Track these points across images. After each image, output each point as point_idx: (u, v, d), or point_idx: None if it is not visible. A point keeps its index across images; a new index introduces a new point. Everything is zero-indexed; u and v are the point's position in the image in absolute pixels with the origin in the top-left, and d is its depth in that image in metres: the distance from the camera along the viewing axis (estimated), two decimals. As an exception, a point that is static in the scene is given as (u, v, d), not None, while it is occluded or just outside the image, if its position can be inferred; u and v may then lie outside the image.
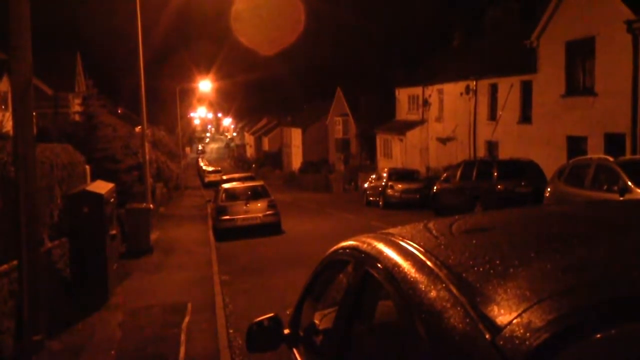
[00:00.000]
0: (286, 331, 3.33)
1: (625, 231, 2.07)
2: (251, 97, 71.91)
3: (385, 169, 28.60)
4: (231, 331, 8.15)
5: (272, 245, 16.56)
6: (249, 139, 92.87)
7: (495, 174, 17.58)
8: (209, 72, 50.58)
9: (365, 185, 29.80)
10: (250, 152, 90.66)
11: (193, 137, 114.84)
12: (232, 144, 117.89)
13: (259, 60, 60.36)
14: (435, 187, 21.54)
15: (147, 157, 18.61)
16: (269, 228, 18.62)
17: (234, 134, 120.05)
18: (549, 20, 21.86)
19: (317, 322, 3.11)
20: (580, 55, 20.44)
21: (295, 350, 3.19)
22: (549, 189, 14.08)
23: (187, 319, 8.70)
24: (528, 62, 23.26)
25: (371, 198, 27.74)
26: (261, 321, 3.25)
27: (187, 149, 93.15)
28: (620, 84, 18.00)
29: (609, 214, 2.51)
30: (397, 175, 26.64)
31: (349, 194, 37.23)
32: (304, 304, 3.40)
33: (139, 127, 19.56)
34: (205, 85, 53.56)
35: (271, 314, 3.29)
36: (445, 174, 21.77)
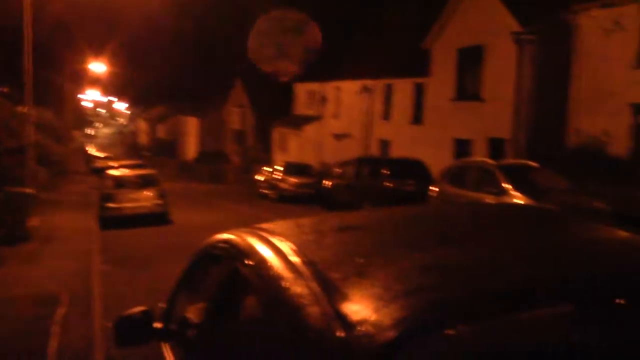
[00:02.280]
0: (158, 325, 3.23)
1: (487, 234, 2.16)
2: (147, 83, 69.68)
3: (280, 162, 28.68)
4: (107, 324, 7.85)
5: (159, 235, 16.16)
6: (143, 125, 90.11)
7: (385, 172, 18.05)
8: (103, 55, 48.47)
9: (260, 177, 29.76)
10: (144, 139, 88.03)
11: (83, 120, 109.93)
12: (125, 130, 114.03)
13: (157, 46, 58.57)
14: (327, 183, 21.83)
15: (30, 139, 17.61)
16: (157, 218, 18.16)
17: (128, 120, 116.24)
18: (443, 26, 22.71)
19: (189, 316, 3.03)
20: (470, 62, 21.38)
21: (166, 345, 3.11)
22: (434, 189, 14.64)
23: (61, 311, 8.29)
24: (422, 65, 24.05)
25: (265, 191, 27.74)
26: (131, 314, 3.13)
27: (76, 133, 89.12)
28: (504, 92, 19.01)
29: (477, 216, 2.62)
30: (291, 169, 26.78)
31: (244, 186, 37.04)
32: (178, 296, 3.32)
33: (23, 107, 18.49)
34: (98, 67, 51.38)
35: (142, 307, 3.18)
36: (338, 170, 22.12)
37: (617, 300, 1.45)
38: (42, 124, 33.54)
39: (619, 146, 15.24)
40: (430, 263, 1.74)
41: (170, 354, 2.97)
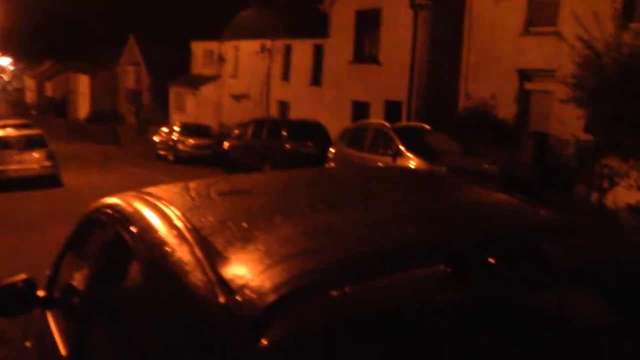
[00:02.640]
0: (41, 293, 3.11)
1: (374, 198, 2.20)
2: (34, 37, 65.49)
3: (177, 123, 28.05)
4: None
5: (49, 199, 15.47)
6: (30, 82, 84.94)
7: (284, 133, 18.06)
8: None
9: (156, 138, 28.96)
10: (30, 97, 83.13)
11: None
12: (10, 87, 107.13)
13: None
14: (226, 144, 21.59)
15: None
16: (46, 181, 17.33)
17: (13, 77, 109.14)
18: (342, -13, 22.73)
19: (74, 283, 2.93)
20: (368, 25, 21.59)
21: (49, 313, 3.00)
22: (332, 150, 14.82)
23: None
24: (320, 26, 24.02)
25: (162, 152, 27.06)
26: (12, 283, 2.99)
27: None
28: (401, 56, 19.37)
29: (366, 180, 2.67)
30: (189, 130, 26.24)
31: (139, 147, 35.92)
32: (63, 263, 3.20)
33: None
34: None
35: (24, 275, 3.04)
36: (236, 131, 21.89)
37: (489, 260, 1.51)
38: None
39: (506, 110, 15.98)
40: (314, 227, 1.76)
41: (54, 322, 2.87)
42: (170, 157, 25.66)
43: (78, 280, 2.90)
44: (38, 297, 3.07)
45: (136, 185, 2.55)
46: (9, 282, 3.00)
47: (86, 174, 20.94)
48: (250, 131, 20.13)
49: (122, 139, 40.47)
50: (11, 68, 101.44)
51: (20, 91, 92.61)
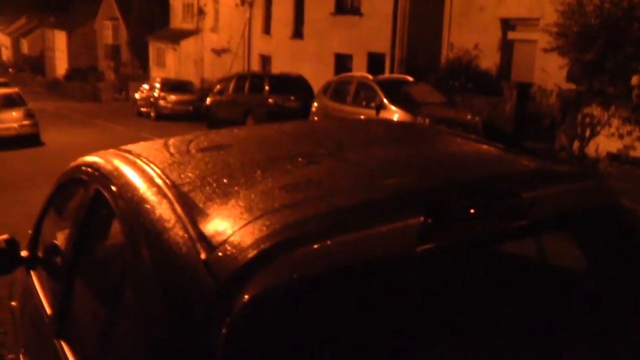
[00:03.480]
0: (24, 253, 3.10)
1: (355, 150, 2.19)
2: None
3: (158, 79, 27.69)
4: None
5: (30, 159, 15.32)
6: (5, 40, 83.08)
7: (267, 88, 17.90)
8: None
9: (137, 95, 28.59)
10: (6, 55, 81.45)
11: None
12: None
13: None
14: (208, 100, 21.39)
15: None
16: (26, 140, 17.13)
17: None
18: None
19: (56, 242, 2.93)
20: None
21: (33, 273, 3.00)
22: (315, 104, 14.74)
23: None
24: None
25: (143, 109, 26.76)
26: None
27: None
28: (383, 7, 19.13)
29: (346, 132, 2.65)
30: (170, 86, 25.92)
31: (120, 104, 35.48)
32: (44, 223, 3.18)
33: None
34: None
35: (6, 235, 3.02)
36: (218, 87, 21.65)
37: (469, 210, 1.52)
38: None
39: (489, 60, 15.93)
40: (295, 181, 1.76)
41: (37, 282, 2.88)
42: (152, 114, 25.39)
43: (60, 239, 2.89)
44: (21, 257, 3.07)
45: (118, 143, 2.52)
46: None
47: (66, 132, 20.71)
48: (232, 86, 19.92)
49: (101, 96, 39.92)
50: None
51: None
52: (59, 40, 56.69)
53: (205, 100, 21.84)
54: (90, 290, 2.24)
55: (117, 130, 21.30)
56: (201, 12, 32.81)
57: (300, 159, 1.99)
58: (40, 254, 3.09)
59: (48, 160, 14.85)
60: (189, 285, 1.39)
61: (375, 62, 19.82)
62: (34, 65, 63.21)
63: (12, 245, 3.02)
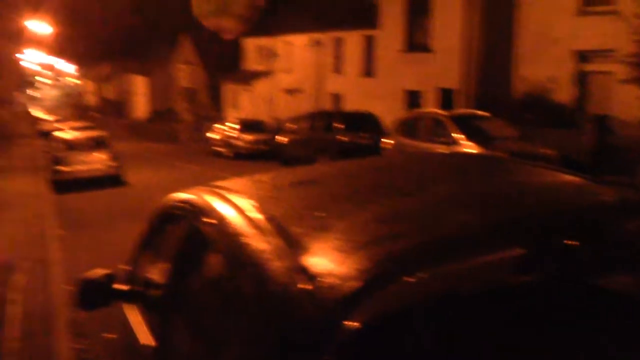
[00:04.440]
0: (121, 287, 3.26)
1: (441, 182, 2.23)
2: (93, 42, 67.45)
3: (233, 119, 28.37)
4: (69, 288, 7.83)
5: (115, 197, 15.97)
6: (91, 85, 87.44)
7: (338, 126, 18.11)
8: (45, 12, 46.52)
9: (212, 135, 29.40)
10: (92, 99, 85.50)
11: (25, 82, 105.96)
12: (72, 91, 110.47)
13: (101, 4, 56.49)
14: (281, 138, 21.78)
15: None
16: (111, 180, 17.88)
17: (75, 81, 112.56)
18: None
19: (153, 276, 3.07)
20: (417, 13, 21.34)
21: (131, 306, 3.14)
22: (388, 141, 14.79)
23: (18, 277, 8.21)
24: (371, 17, 23.92)
25: (218, 149, 27.44)
26: (93, 277, 3.14)
27: (18, 95, 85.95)
28: (452, 42, 19.13)
29: (429, 166, 2.69)
30: (244, 125, 26.48)
31: (196, 145, 36.52)
32: (140, 258, 3.34)
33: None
34: (41, 26, 49.33)
35: (104, 270, 3.20)
36: (291, 125, 22.05)
37: (566, 242, 1.52)
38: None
39: (563, 93, 15.61)
40: (386, 214, 1.80)
41: (135, 315, 3.00)
42: (227, 153, 26.00)
43: (155, 273, 3.04)
44: (119, 291, 3.23)
45: (196, 182, 2.65)
46: (91, 277, 3.16)
47: (147, 172, 21.46)
48: (304, 125, 20.26)
49: (179, 137, 41.20)
50: (73, 72, 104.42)
51: (81, 94, 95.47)
52: (139, 85, 59.22)
53: (278, 139, 22.26)
54: (188, 322, 2.31)
55: (194, 169, 21.93)
56: (273, 54, 33.67)
57: (388, 192, 2.05)
58: (136, 288, 3.24)
59: (131, 199, 15.46)
60: (291, 315, 1.43)
61: (445, 98, 19.75)
62: (116, 109, 66.11)
63: (110, 279, 3.19)
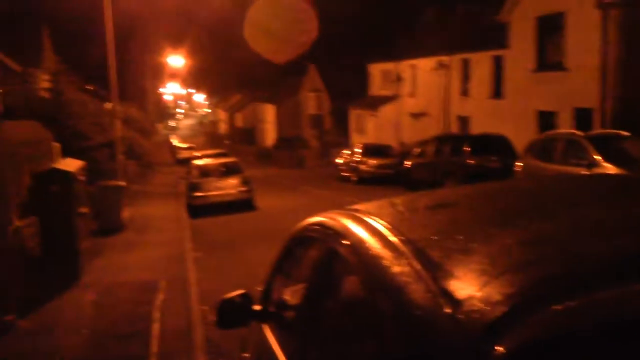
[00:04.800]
0: (257, 307, 3.34)
1: (585, 205, 2.11)
2: (224, 73, 71.20)
3: (359, 145, 28.66)
4: (204, 307, 8.16)
5: (246, 221, 16.56)
6: (222, 115, 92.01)
7: (467, 149, 17.74)
8: (181, 47, 49.90)
9: (339, 161, 29.84)
10: (223, 128, 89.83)
11: (165, 113, 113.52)
12: (205, 120, 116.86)
13: (232, 36, 59.60)
14: (407, 162, 21.67)
15: (118, 133, 18.37)
16: (243, 204, 18.60)
17: (207, 110, 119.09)
18: (520, -5, 21.97)
19: (287, 297, 3.12)
20: (550, 30, 20.61)
21: (265, 326, 3.21)
22: (519, 164, 14.26)
23: (159, 296, 8.69)
24: (499, 37, 23.38)
25: (345, 174, 27.81)
26: (232, 297, 3.25)
27: (159, 126, 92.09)
28: (589, 60, 18.21)
29: (571, 188, 2.56)
30: (370, 150, 26.70)
31: (323, 170, 37.26)
32: (274, 279, 3.41)
33: (109, 103, 19.29)
34: (177, 60, 52.87)
35: (242, 290, 3.29)
36: (417, 149, 21.90)
37: None
38: (128, 119, 34.90)
39: None
40: (531, 237, 1.73)
41: (271, 335, 3.06)
42: (353, 178, 26.27)
43: (290, 294, 3.09)
44: (255, 311, 3.32)
45: (323, 206, 2.66)
46: (229, 297, 3.27)
47: (276, 197, 22.12)
48: (431, 148, 20.04)
49: (306, 163, 42.25)
50: (205, 103, 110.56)
51: (214, 123, 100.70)
52: (268, 113, 61.51)
53: (404, 163, 22.17)
54: (323, 344, 2.32)
55: (321, 194, 22.32)
56: (399, 79, 33.77)
57: (531, 215, 1.96)
58: (270, 308, 3.31)
59: (261, 222, 15.99)
60: (434, 340, 1.39)
61: (582, 118, 18.78)
62: (246, 137, 69.03)
63: (247, 299, 3.29)
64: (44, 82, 20.71)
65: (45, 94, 21.11)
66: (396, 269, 1.67)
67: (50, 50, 33.38)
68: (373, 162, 25.47)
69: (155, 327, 7.27)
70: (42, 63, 33.44)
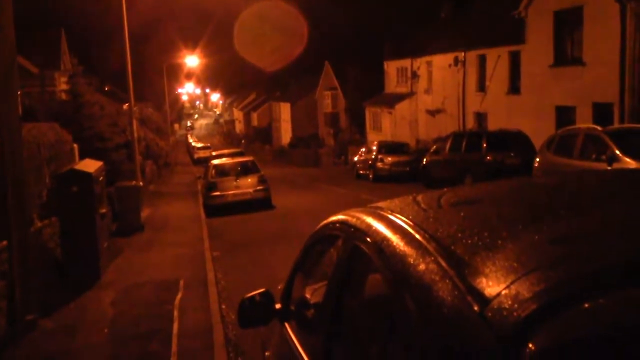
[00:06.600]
0: (277, 306, 3.34)
1: (612, 201, 2.07)
2: (239, 72, 71.51)
3: (375, 142, 28.60)
4: (223, 306, 8.18)
5: (263, 220, 16.58)
6: (238, 114, 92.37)
7: (484, 145, 17.61)
8: (196, 47, 50.10)
9: (355, 158, 29.80)
10: (239, 127, 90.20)
11: (181, 113, 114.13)
12: (221, 120, 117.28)
13: (247, 37, 59.82)
14: (424, 160, 21.58)
15: (136, 134, 18.46)
16: (260, 203, 18.62)
17: (223, 110, 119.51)
18: (537, -10, 21.77)
19: (308, 296, 3.11)
20: (568, 25, 20.40)
21: (286, 325, 3.20)
22: (538, 160, 14.13)
23: (179, 296, 8.73)
24: (516, 32, 23.19)
25: (361, 171, 27.77)
26: (253, 296, 3.25)
27: (176, 126, 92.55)
28: (608, 54, 18.00)
29: (596, 183, 2.52)
30: (386, 148, 26.63)
31: (339, 168, 37.24)
32: (295, 278, 3.40)
33: (126, 104, 19.40)
34: (192, 60, 53.05)
35: (262, 289, 3.29)
36: (434, 146, 21.78)
37: None
38: (145, 119, 35.15)
39: None
40: (559, 234, 1.70)
41: (292, 334, 3.05)
42: (370, 176, 26.22)
43: (312, 293, 3.08)
44: (276, 310, 3.32)
45: (341, 204, 2.65)
46: (250, 296, 3.27)
47: (293, 195, 22.13)
48: (448, 145, 19.92)
49: (322, 161, 42.24)
50: (221, 102, 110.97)
51: (230, 123, 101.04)
52: (284, 112, 61.62)
53: (421, 161, 22.08)
54: (346, 342, 2.30)
55: (338, 192, 22.30)
56: (415, 76, 33.62)
57: (559, 211, 1.92)
58: (291, 307, 3.31)
59: (278, 221, 16.00)
60: (462, 337, 1.38)
61: (601, 113, 18.57)
62: (262, 135, 69.22)
63: (267, 298, 3.29)
64: (62, 84, 20.89)
65: (64, 96, 21.29)
66: (421, 266, 1.65)
67: (68, 53, 33.69)
68: (389, 159, 25.39)
69: (175, 326, 7.30)
70: (60, 65, 33.78)
